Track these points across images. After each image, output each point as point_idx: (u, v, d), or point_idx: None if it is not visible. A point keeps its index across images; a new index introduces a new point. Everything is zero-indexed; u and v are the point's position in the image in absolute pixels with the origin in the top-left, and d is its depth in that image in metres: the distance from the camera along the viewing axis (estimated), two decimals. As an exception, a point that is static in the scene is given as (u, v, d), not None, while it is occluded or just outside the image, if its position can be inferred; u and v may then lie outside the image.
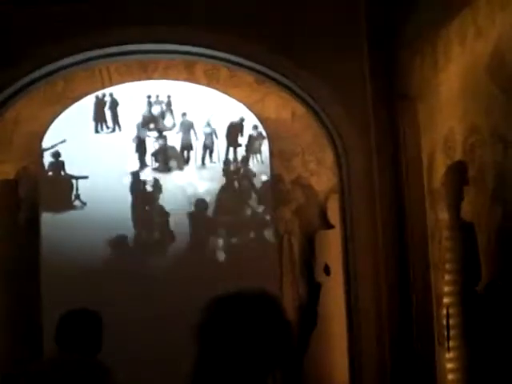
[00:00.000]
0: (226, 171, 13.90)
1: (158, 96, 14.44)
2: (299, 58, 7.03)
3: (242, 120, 13.77)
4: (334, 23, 7.03)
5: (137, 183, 13.56)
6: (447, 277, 5.70)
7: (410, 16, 6.42)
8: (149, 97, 14.45)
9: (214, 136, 14.27)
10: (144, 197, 13.51)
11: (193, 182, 13.97)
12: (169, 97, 14.31)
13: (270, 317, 2.04)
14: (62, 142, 12.38)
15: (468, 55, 5.32)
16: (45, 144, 10.24)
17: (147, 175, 14.00)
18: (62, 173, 13.40)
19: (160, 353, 10.82)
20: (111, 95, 13.98)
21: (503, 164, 4.79)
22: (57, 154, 13.28)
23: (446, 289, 5.72)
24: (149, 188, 13.66)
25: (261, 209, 13.08)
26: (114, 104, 14.22)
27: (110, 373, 4.03)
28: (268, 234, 12.15)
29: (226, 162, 14.13)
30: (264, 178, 12.94)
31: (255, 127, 13.34)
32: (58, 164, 13.37)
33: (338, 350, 8.01)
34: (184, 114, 14.35)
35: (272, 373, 2.04)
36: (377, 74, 6.93)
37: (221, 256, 12.94)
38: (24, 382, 4.03)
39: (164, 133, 14.61)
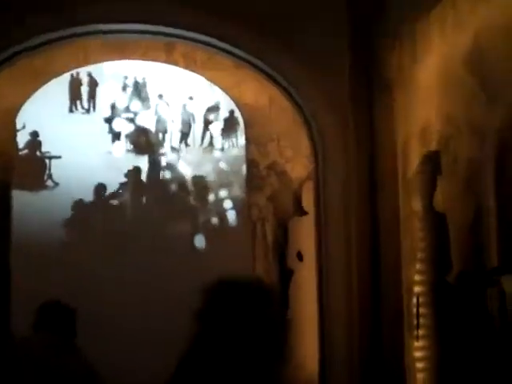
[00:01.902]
0: (201, 155, 13.86)
1: (134, 77, 14.32)
2: (278, 43, 7.01)
3: (219, 104, 13.70)
4: (314, 11, 7.01)
5: (113, 165, 13.46)
6: (418, 266, 5.75)
7: (392, 3, 6.42)
8: (125, 78, 14.32)
9: (190, 119, 14.20)
10: (118, 178, 13.42)
11: (167, 165, 13.89)
12: (145, 78, 14.19)
13: (262, 302, 2.14)
14: (22, 128, 12.13)
15: (447, 46, 5.33)
16: (19, 122, 10.10)
17: (121, 157, 13.90)
18: (38, 153, 13.26)
19: (135, 334, 10.81)
20: (90, 75, 13.82)
21: (477, 156, 4.83)
22: (35, 134, 13.14)
23: (417, 278, 5.77)
24: (124, 170, 13.56)
25: (236, 194, 13.06)
26: (93, 84, 14.06)
27: (81, 352, 4.17)
28: (241, 219, 12.14)
29: (202, 145, 14.08)
30: (239, 162, 12.90)
31: (232, 112, 13.29)
32: (35, 143, 13.23)
33: (308, 336, 8.06)
34: (160, 96, 14.26)
35: (267, 355, 2.10)
36: (356, 62, 6.93)
37: (193, 240, 12.92)
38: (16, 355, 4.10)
39: (139, 115, 14.50)
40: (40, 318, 4.25)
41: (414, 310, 5.77)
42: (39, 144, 13.26)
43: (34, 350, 4.05)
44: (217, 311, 2.11)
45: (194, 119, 14.18)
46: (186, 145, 14.22)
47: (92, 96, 14.32)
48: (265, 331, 2.11)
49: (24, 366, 3.99)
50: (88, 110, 14.49)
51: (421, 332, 5.63)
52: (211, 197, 13.31)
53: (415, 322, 5.73)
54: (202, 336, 2.10)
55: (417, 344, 5.74)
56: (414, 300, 5.80)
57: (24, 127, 12.06)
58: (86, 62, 9.09)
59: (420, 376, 5.73)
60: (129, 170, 13.40)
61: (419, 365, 5.73)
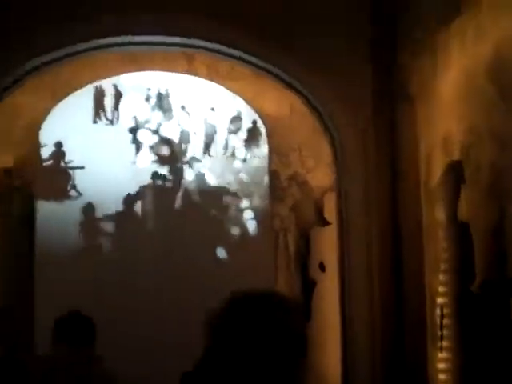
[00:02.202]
0: (223, 165, 13.88)
1: (157, 88, 14.40)
2: (299, 54, 7.01)
3: (241, 114, 13.73)
4: (335, 21, 7.01)
5: (136, 175, 13.52)
6: (442, 276, 5.70)
7: (413, 15, 6.40)
8: (148, 89, 14.41)
9: (212, 130, 14.24)
10: (141, 189, 13.48)
11: (189, 175, 13.94)
12: (168, 89, 14.27)
13: (281, 319, 2.06)
14: (45, 145, 12.25)
15: (468, 57, 5.31)
16: (43, 133, 10.20)
17: (145, 167, 13.97)
18: (62, 163, 13.37)
19: (150, 342, 10.82)
20: (115, 86, 13.92)
21: (499, 164, 4.79)
22: (58, 144, 13.25)
23: (441, 288, 5.71)
24: (147, 180, 13.62)
25: (258, 204, 13.05)
26: (117, 95, 14.16)
27: (103, 361, 4.16)
28: (263, 229, 12.12)
29: (224, 156, 14.10)
30: (261, 173, 12.90)
31: (254, 122, 13.30)
32: (59, 154, 13.34)
33: (331, 346, 8.01)
34: (183, 107, 14.32)
35: (285, 372, 2.04)
36: (377, 73, 6.92)
37: (215, 251, 12.93)
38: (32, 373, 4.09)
39: (162, 125, 14.57)
40: (60, 329, 4.23)
41: (438, 320, 5.71)
42: (63, 155, 13.37)
43: (56, 363, 4.02)
44: (232, 325, 2.03)
45: (216, 130, 14.22)
46: (209, 155, 14.25)
47: (116, 107, 14.42)
48: (283, 346, 2.04)
49: (46, 381, 3.96)
50: (112, 121, 14.59)
51: (444, 343, 5.57)
52: (233, 207, 13.32)
53: (439, 333, 5.67)
54: (214, 351, 2.03)
55: (440, 355, 5.68)
56: (438, 311, 5.74)
57: (46, 144, 12.20)
58: (108, 74, 9.16)
59: (443, 388, 5.67)
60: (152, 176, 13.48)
61: (442, 376, 5.67)
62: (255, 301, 2.08)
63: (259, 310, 2.05)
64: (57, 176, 13.01)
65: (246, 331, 2.02)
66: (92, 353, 4.23)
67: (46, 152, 12.86)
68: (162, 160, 14.13)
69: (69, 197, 13.22)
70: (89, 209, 12.90)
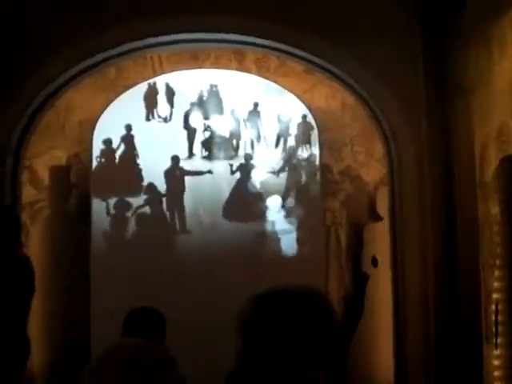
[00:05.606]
0: (274, 160, 13.90)
1: (208, 85, 14.49)
2: (351, 48, 6.98)
3: (292, 110, 13.71)
4: (386, 13, 6.95)
5: (176, 170, 13.60)
6: (497, 272, 5.60)
7: (466, 6, 6.30)
8: (199, 86, 14.51)
9: (263, 125, 14.26)
10: (187, 184, 13.58)
11: (241, 170, 13.99)
12: (218, 86, 14.34)
13: (315, 314, 2.01)
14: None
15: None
16: (97, 130, 10.37)
17: (196, 164, 14.08)
18: (114, 160, 13.53)
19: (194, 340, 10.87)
20: (167, 84, 14.06)
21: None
22: (109, 142, 13.43)
23: (496, 284, 5.62)
24: (194, 176, 13.73)
25: (310, 198, 13.03)
26: (169, 93, 14.29)
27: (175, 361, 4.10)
28: (315, 223, 12.11)
29: (275, 151, 14.11)
30: (313, 167, 12.88)
31: (305, 117, 13.27)
32: (110, 151, 13.51)
33: (383, 343, 7.96)
34: (233, 103, 14.38)
35: (316, 369, 2.02)
36: (430, 65, 6.83)
37: (266, 245, 12.95)
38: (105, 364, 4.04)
39: (213, 122, 14.67)
40: (132, 322, 4.14)
41: (493, 317, 5.63)
42: (113, 151, 13.54)
43: (125, 354, 3.92)
44: (264, 323, 1.98)
45: (267, 125, 14.23)
46: (260, 150, 14.28)
47: (169, 104, 14.56)
48: (314, 340, 1.97)
49: (115, 372, 3.86)
50: (165, 119, 14.73)
51: (499, 340, 5.49)
52: (284, 202, 13.32)
53: (494, 329, 5.59)
54: (248, 349, 1.99)
55: (495, 352, 5.59)
56: (493, 307, 5.65)
57: (99, 142, 12.38)
58: (160, 72, 9.27)
59: (499, 385, 5.59)
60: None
61: (497, 373, 5.58)
62: (289, 297, 2.02)
63: (293, 306, 1.99)
64: (111, 173, 13.19)
65: (279, 328, 1.97)
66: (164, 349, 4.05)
67: (99, 149, 13.07)
68: (214, 156, 14.22)
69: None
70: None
